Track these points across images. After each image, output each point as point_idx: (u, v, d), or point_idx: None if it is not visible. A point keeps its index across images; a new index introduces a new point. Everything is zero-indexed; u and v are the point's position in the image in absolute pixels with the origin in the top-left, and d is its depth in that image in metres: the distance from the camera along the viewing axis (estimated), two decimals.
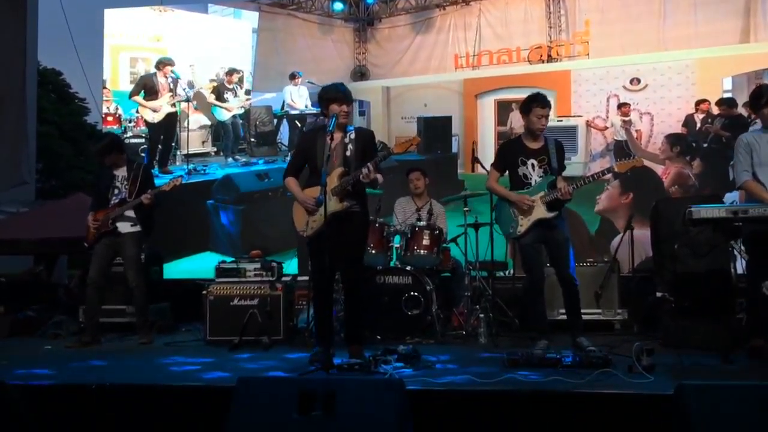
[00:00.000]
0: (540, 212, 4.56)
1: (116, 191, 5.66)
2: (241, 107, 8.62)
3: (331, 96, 4.43)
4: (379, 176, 4.34)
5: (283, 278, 5.75)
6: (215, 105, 8.59)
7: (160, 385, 3.74)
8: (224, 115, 8.63)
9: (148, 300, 5.77)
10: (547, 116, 4.64)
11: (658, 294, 5.28)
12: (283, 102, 8.63)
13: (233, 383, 3.04)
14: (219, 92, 8.57)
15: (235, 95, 8.59)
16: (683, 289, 4.99)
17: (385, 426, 2.77)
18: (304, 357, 4.49)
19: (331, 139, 4.24)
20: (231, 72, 8.62)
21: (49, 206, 8.71)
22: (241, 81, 8.64)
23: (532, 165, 4.65)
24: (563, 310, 4.82)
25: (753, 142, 4.44)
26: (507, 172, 4.80)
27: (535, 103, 4.63)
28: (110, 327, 6.05)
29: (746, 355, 4.25)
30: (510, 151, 4.79)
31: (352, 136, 4.48)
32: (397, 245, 5.83)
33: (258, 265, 5.62)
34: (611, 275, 5.91)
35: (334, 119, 4.29)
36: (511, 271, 6.22)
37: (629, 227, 6.12)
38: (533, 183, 4.63)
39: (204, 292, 5.53)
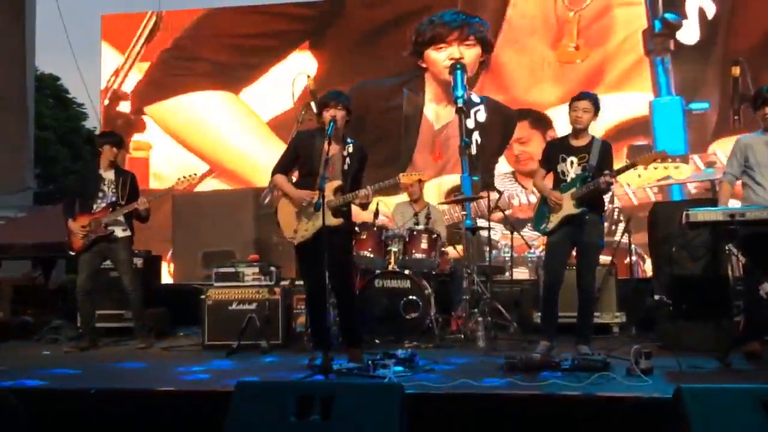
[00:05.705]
0: (568, 208, 4.55)
1: (101, 194, 5.59)
2: None
3: (323, 101, 4.42)
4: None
5: (282, 282, 5.74)
6: None
7: (156, 390, 3.73)
8: None
9: (145, 304, 5.76)
10: (585, 110, 4.55)
11: (656, 297, 5.28)
12: None
13: (231, 387, 3.03)
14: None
15: None
16: (681, 291, 5.00)
17: (384, 430, 2.77)
18: (302, 361, 4.49)
19: (329, 144, 4.19)
20: None
21: (45, 211, 8.69)
22: None
23: (571, 162, 4.63)
24: (566, 313, 4.83)
25: (751, 143, 4.47)
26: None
27: (572, 99, 4.63)
28: (108, 332, 6.04)
29: (744, 358, 4.26)
30: (553, 149, 4.79)
31: (350, 149, 4.44)
32: (395, 249, 5.83)
33: (256, 269, 5.60)
34: (609, 278, 5.92)
35: (332, 124, 4.23)
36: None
37: (627, 230, 6.13)
38: (568, 180, 4.63)
39: (202, 296, 5.52)
